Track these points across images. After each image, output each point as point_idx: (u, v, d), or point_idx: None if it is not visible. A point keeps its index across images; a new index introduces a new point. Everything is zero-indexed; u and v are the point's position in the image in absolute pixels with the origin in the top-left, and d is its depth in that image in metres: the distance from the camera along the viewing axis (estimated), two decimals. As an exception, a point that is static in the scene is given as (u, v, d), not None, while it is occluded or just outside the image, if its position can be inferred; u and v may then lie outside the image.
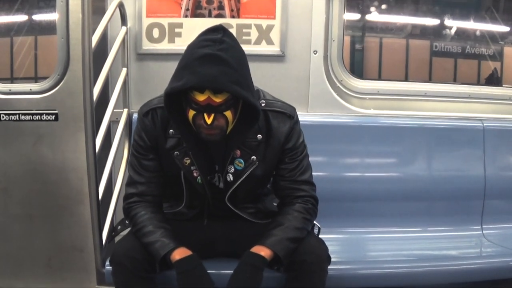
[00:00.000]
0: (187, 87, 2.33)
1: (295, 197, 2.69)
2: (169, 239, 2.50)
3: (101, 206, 2.85)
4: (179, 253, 2.46)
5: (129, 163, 2.74)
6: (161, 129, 2.61)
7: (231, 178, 2.64)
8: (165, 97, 2.40)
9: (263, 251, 2.48)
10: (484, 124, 3.82)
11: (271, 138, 2.63)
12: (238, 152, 2.62)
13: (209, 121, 2.37)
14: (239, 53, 2.40)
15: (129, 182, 2.70)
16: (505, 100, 4.13)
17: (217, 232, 2.76)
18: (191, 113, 2.41)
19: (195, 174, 2.63)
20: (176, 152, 2.60)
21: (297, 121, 2.70)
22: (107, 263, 2.62)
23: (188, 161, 2.61)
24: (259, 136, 2.61)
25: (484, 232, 3.72)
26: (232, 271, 2.51)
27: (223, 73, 2.27)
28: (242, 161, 2.63)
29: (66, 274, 3.54)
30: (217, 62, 2.27)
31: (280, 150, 2.65)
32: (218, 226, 2.76)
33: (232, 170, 2.63)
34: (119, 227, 2.91)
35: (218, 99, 2.35)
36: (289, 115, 2.66)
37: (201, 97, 2.34)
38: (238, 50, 2.40)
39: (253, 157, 2.62)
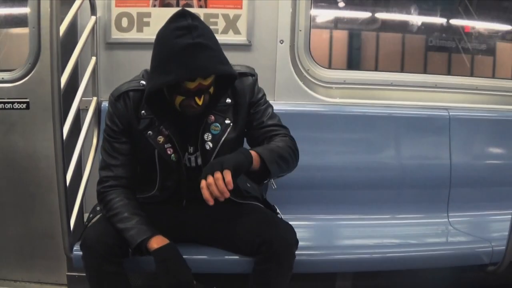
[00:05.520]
0: (181, 80, 2.43)
1: (272, 135, 2.72)
2: (146, 227, 2.54)
3: (70, 193, 2.86)
4: (157, 242, 2.50)
5: (102, 148, 2.77)
6: (134, 112, 2.66)
7: (210, 146, 2.69)
8: (149, 90, 2.48)
9: (251, 151, 2.50)
10: (450, 113, 3.86)
11: (239, 98, 2.73)
12: (212, 117, 2.69)
13: (200, 102, 2.49)
14: (210, 32, 2.49)
15: (103, 166, 2.73)
16: (471, 90, 4.17)
17: (191, 215, 2.77)
18: (179, 98, 2.51)
19: (168, 152, 2.68)
20: (149, 132, 2.65)
21: (257, 78, 2.81)
22: (75, 248, 2.65)
23: (162, 140, 2.66)
24: (228, 100, 2.71)
25: (450, 219, 3.77)
26: (207, 257, 2.64)
27: (209, 59, 2.39)
28: (218, 124, 2.69)
29: (37, 261, 3.58)
30: (201, 50, 2.37)
31: (247, 107, 2.75)
32: (192, 209, 2.77)
33: (210, 137, 2.68)
34: (91, 215, 2.92)
35: (207, 82, 2.48)
36: (250, 73, 2.78)
37: (192, 85, 2.45)
38: (208, 30, 2.49)
39: (227, 119, 2.70)
